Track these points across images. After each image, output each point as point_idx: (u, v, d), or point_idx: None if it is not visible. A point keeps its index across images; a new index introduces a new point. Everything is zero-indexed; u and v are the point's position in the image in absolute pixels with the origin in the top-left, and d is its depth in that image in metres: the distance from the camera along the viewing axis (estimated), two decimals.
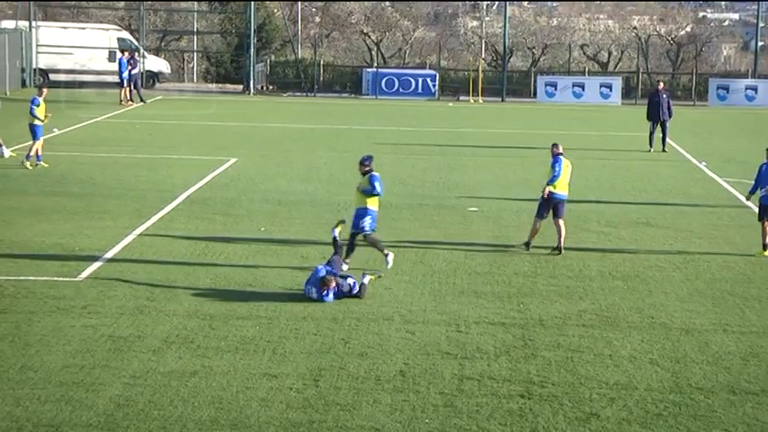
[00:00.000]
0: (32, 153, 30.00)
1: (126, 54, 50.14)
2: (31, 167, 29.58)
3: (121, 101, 48.73)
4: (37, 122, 30.15)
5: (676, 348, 15.25)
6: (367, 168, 19.19)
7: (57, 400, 12.85)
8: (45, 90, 31.97)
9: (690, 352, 15.11)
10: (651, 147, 36.43)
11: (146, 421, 12.32)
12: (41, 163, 30.01)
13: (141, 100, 49.48)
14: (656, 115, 36.46)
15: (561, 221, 21.03)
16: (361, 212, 19.10)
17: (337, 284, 17.15)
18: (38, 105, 30.52)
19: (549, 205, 20.94)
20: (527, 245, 21.17)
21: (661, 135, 36.54)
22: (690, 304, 17.59)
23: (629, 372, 14.22)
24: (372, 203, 19.11)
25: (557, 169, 21.01)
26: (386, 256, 19.14)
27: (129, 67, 49.12)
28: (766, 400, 13.29)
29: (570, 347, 15.20)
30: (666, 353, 15.05)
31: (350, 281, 17.30)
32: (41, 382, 13.43)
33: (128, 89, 49.18)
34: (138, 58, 51.38)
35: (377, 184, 18.96)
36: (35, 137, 30.03)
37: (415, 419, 12.55)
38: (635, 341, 15.55)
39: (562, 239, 20.94)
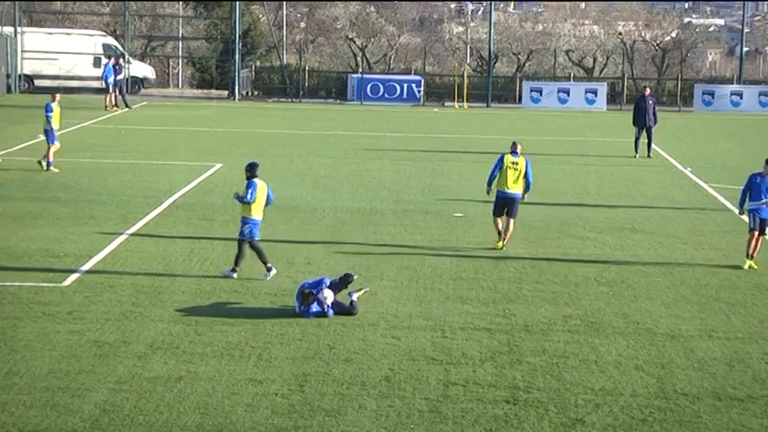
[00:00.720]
0: (50, 157, 30.24)
1: (112, 60, 50.09)
2: (44, 170, 29.87)
3: (107, 107, 48.66)
4: (52, 127, 30.48)
5: (662, 354, 15.29)
6: (248, 175, 19.05)
7: (42, 405, 12.82)
8: (58, 96, 32.19)
9: (675, 358, 15.15)
10: (636, 152, 36.52)
11: (131, 427, 12.30)
12: (52, 168, 30.05)
13: (127, 105, 49.42)
14: (642, 121, 36.54)
15: (512, 222, 21.86)
16: (242, 220, 19.14)
17: (335, 302, 16.94)
18: (52, 111, 30.82)
19: (498, 204, 21.92)
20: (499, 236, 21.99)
21: (646, 141, 36.63)
22: (675, 310, 17.64)
23: (614, 377, 14.24)
24: (247, 212, 19.00)
25: (492, 166, 22.17)
26: (268, 270, 18.94)
27: (115, 74, 49.08)
28: (752, 406, 13.33)
29: (556, 353, 15.23)
30: (652, 358, 15.08)
31: (353, 297, 17.13)
32: (27, 387, 13.40)
33: (113, 95, 49.12)
34: (123, 64, 51.30)
35: (249, 192, 18.85)
36: (50, 141, 30.36)
37: (401, 425, 12.56)
38: (620, 347, 15.58)
39: (508, 236, 21.88)
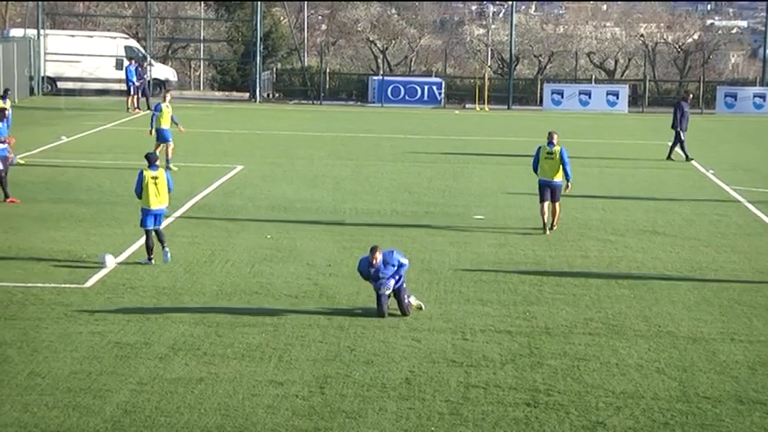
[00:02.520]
0: (168, 155, 31.03)
1: (134, 62, 50.27)
2: (175, 169, 30.49)
3: (128, 108, 48.81)
4: (163, 127, 31.31)
5: (683, 357, 15.24)
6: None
7: (64, 406, 12.87)
8: (169, 95, 32.97)
9: (697, 361, 15.09)
10: (688, 156, 36.03)
11: (152, 428, 12.34)
12: (171, 166, 30.60)
13: (149, 108, 49.52)
14: (686, 124, 36.25)
15: (556, 205, 23.55)
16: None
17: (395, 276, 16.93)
18: (160, 111, 31.40)
19: (542, 191, 23.48)
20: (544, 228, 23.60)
21: (672, 144, 36.48)
22: (697, 313, 17.58)
23: (635, 380, 14.20)
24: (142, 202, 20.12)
25: (533, 156, 23.89)
26: (163, 250, 20.04)
27: (137, 76, 49.24)
28: None
29: (576, 356, 15.19)
30: (673, 362, 15.03)
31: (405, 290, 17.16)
32: (49, 388, 13.46)
33: (135, 97, 49.28)
34: (145, 67, 51.43)
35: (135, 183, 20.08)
36: (165, 140, 31.18)
37: (421, 427, 12.56)
38: (642, 350, 15.53)
39: (555, 220, 23.70)
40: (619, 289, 18.99)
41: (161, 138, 31.35)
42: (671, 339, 16.07)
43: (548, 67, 64.16)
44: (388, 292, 16.84)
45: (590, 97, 55.65)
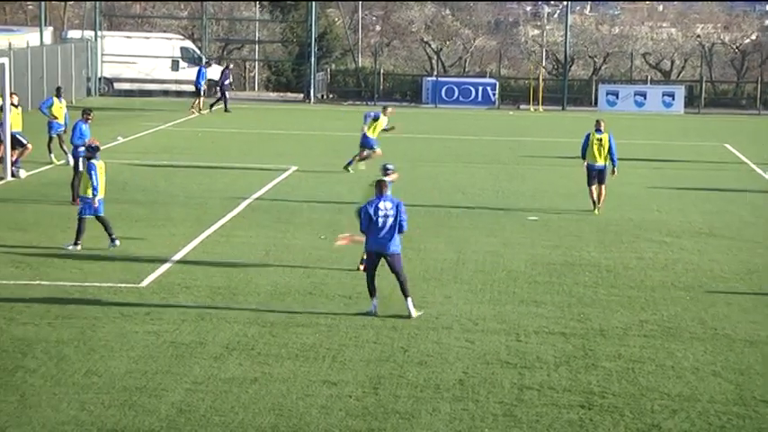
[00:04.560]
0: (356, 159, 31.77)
1: (211, 64, 50.87)
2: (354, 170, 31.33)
3: (194, 109, 48.72)
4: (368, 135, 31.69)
5: (740, 360, 15.09)
6: (88, 155, 21.32)
7: (120, 404, 12.98)
8: (390, 110, 32.90)
9: (754, 364, 14.94)
10: None
11: (207, 427, 12.41)
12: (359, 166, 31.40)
13: (226, 110, 49.28)
14: None
15: (603, 187, 25.87)
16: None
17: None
18: (376, 119, 31.69)
19: (590, 175, 25.93)
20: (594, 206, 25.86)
21: None
22: (754, 315, 17.40)
23: (691, 383, 14.09)
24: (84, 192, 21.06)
25: (582, 142, 26.29)
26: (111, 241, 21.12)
27: (222, 78, 49.19)
28: None
29: (631, 358, 15.10)
30: (730, 364, 14.89)
31: None
32: (105, 386, 13.58)
33: (202, 98, 49.18)
34: (229, 69, 51.01)
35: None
36: (369, 147, 31.62)
37: (474, 428, 12.54)
38: (698, 352, 15.40)
39: (601, 201, 25.83)
40: (674, 291, 18.85)
41: (368, 144, 31.63)
42: (727, 342, 15.92)
43: (603, 67, 63.80)
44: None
45: (645, 98, 55.26)
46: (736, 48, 64.95)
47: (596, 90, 56.69)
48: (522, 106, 56.21)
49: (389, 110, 32.71)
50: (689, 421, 12.81)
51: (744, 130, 47.45)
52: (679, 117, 53.33)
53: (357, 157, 31.84)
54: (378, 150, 31.59)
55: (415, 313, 16.82)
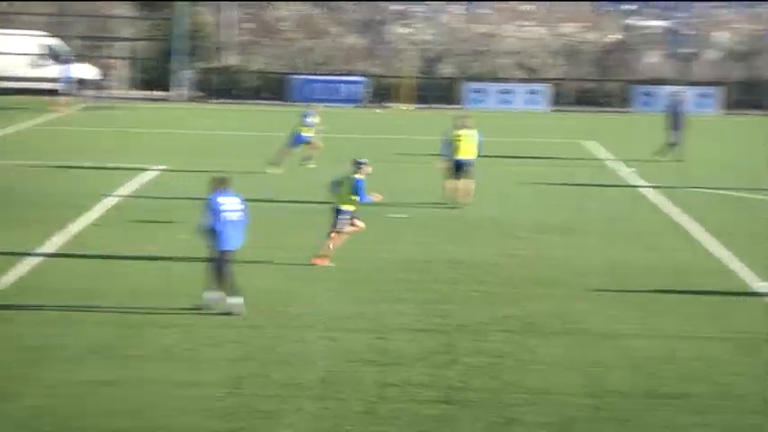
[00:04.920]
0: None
1: (66, 60, 49.89)
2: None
3: (58, 107, 47.79)
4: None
5: (595, 354, 15.37)
6: None
7: None
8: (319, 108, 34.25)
9: (609, 357, 15.23)
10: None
11: (64, 431, 12.17)
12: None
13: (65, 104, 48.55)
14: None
15: (469, 182, 26.39)
16: None
17: None
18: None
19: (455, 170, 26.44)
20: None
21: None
22: (612, 310, 17.72)
23: (548, 377, 14.30)
24: None
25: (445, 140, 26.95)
26: None
27: (67, 74, 48.53)
28: (683, 403, 13.43)
29: (492, 353, 15.26)
30: (587, 358, 15.15)
31: None
32: None
33: (65, 97, 48.33)
34: (71, 65, 50.49)
35: None
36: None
37: (337, 427, 12.54)
38: (556, 347, 15.64)
39: (466, 197, 26.26)
40: (536, 287, 19.10)
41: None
42: (585, 336, 16.20)
43: (470, 65, 64.41)
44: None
45: (511, 96, 56.01)
46: (600, 47, 66.19)
47: (463, 88, 57.20)
48: (390, 104, 56.43)
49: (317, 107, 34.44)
50: (545, 414, 13.00)
51: (608, 127, 48.39)
52: (545, 115, 54.15)
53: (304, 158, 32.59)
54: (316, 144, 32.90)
55: (238, 307, 16.67)
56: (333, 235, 20.20)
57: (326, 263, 20.02)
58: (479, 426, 12.65)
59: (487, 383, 14.02)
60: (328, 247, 20.15)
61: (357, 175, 20.20)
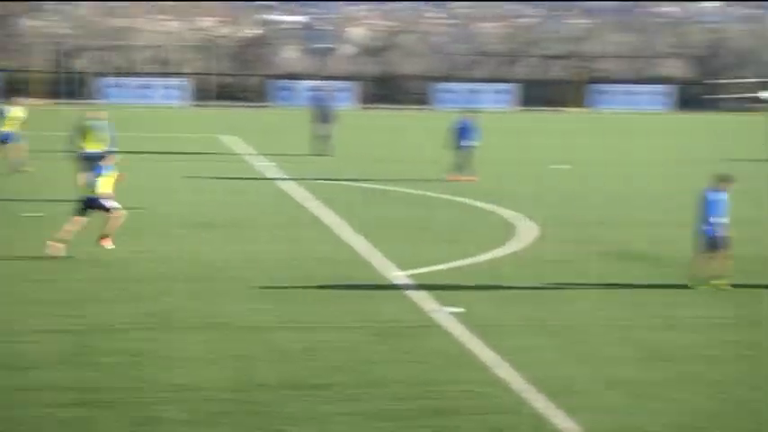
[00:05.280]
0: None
1: None
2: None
3: None
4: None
5: (240, 347, 15.25)
6: None
7: None
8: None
9: (254, 351, 15.14)
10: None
11: None
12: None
13: None
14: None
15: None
16: None
17: None
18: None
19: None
20: None
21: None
22: (255, 303, 17.67)
23: (192, 373, 14.03)
24: None
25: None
26: None
27: None
28: (327, 393, 13.49)
29: (132, 352, 14.83)
30: (231, 352, 15.00)
31: None
32: None
33: None
34: None
35: None
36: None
37: None
38: (198, 342, 15.40)
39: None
40: (177, 283, 18.79)
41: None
42: (228, 331, 16.05)
43: (108, 60, 63.04)
44: None
45: (150, 90, 55.31)
46: (238, 41, 66.43)
47: (98, 82, 55.91)
48: (19, 98, 54.17)
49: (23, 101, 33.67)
50: (189, 410, 12.72)
51: (248, 122, 48.64)
52: (185, 110, 53.86)
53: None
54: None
55: None
56: None
57: None
58: (119, 426, 12.22)
59: (128, 383, 13.59)
60: None
61: None
